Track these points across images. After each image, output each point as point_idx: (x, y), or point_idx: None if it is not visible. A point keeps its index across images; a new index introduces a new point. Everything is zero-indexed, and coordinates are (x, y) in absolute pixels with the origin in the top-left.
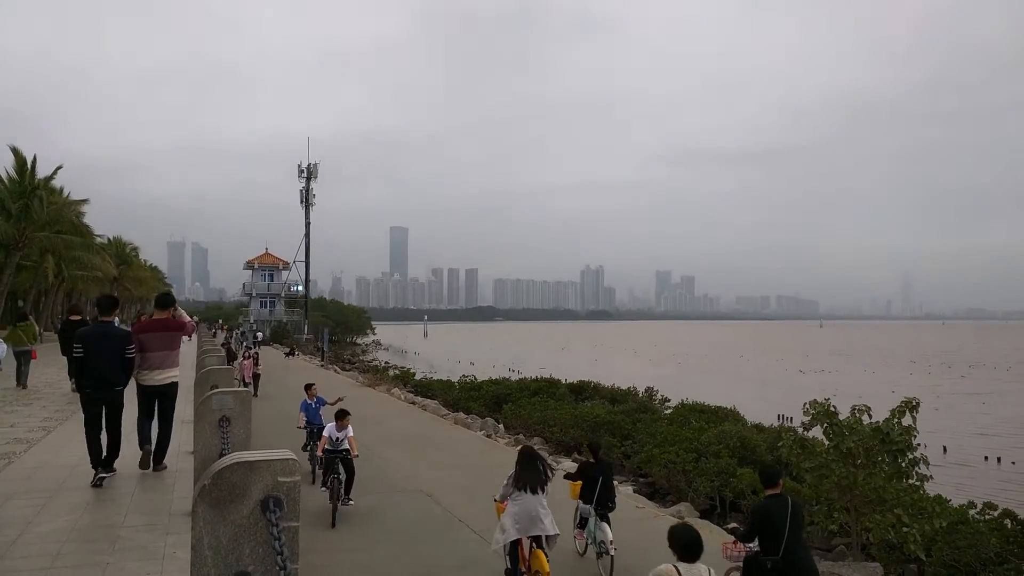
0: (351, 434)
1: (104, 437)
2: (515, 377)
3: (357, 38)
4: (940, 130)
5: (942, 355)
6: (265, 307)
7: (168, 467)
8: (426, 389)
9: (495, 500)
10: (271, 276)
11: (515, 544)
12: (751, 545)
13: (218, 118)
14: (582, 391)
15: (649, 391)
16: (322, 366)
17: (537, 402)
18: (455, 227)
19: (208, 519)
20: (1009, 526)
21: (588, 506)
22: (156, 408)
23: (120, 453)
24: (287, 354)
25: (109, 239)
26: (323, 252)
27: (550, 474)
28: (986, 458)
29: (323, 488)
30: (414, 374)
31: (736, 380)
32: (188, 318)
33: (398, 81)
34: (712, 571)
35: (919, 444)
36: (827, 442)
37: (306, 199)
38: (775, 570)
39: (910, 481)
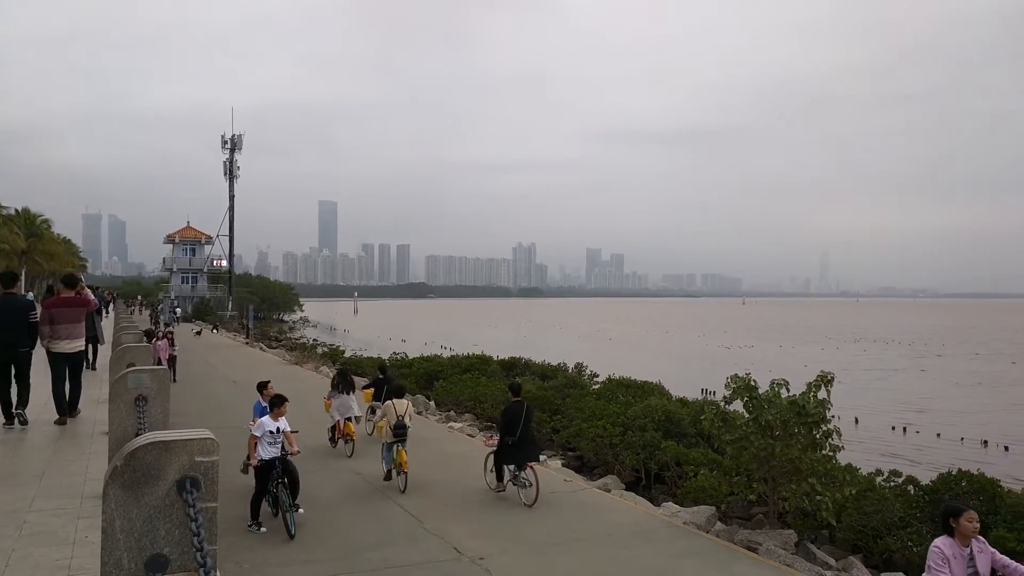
0: (287, 427)
1: (15, 392)
2: (447, 354)
3: (281, 3)
4: (858, 114)
5: (855, 331)
6: (187, 283)
7: (82, 412)
8: (356, 367)
9: (325, 398)
10: (193, 251)
11: (335, 426)
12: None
13: (136, 84)
14: (513, 367)
15: (579, 367)
16: (247, 343)
17: (469, 379)
18: (387, 202)
19: (120, 501)
20: (912, 492)
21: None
22: (67, 372)
23: (29, 402)
24: (198, 333)
25: (17, 210)
26: (248, 226)
27: (353, 384)
28: (893, 428)
29: (266, 500)
30: (343, 352)
31: (662, 356)
32: (92, 296)
33: (326, 50)
34: (411, 404)
35: (833, 416)
36: (747, 415)
37: (230, 171)
38: (513, 444)
39: (824, 452)
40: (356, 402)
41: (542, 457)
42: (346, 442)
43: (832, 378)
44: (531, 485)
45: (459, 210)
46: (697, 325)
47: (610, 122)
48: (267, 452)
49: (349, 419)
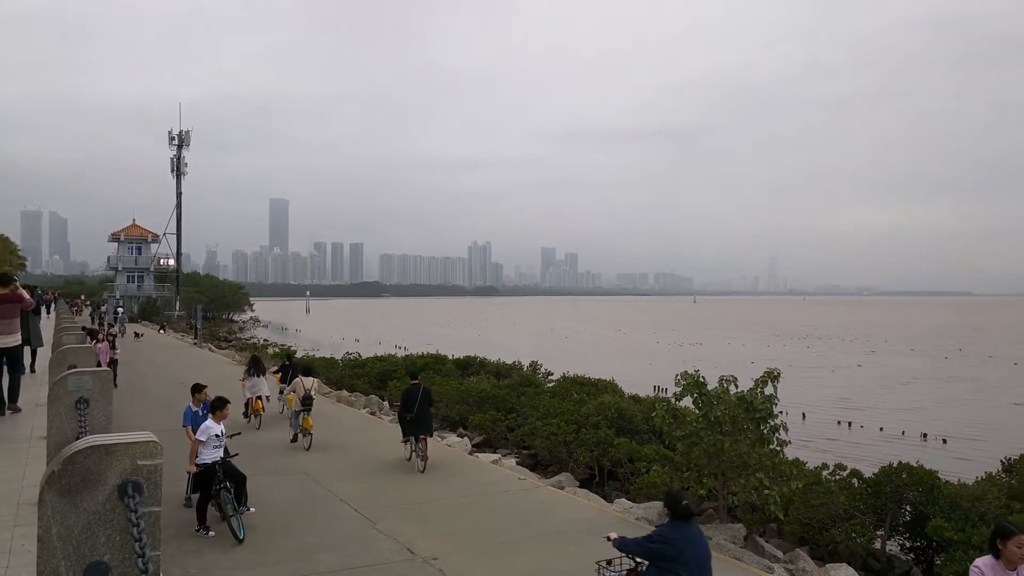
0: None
1: None
2: (401, 354)
3: None
4: (804, 115)
5: (801, 329)
6: (132, 282)
7: (23, 410)
8: (308, 367)
9: (240, 380)
10: (139, 249)
11: (248, 402)
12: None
13: (79, 76)
14: (468, 366)
15: (533, 365)
16: (195, 344)
17: (423, 378)
18: (340, 200)
19: (57, 507)
20: (856, 485)
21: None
22: (5, 366)
23: None
24: (139, 335)
25: None
26: (197, 224)
27: (264, 369)
28: (839, 423)
29: (211, 505)
30: (295, 352)
31: (616, 354)
32: (27, 296)
33: (276, 43)
34: (316, 381)
35: (780, 412)
36: (697, 411)
37: (177, 168)
38: (410, 421)
39: (771, 447)
40: (266, 384)
41: (476, 443)
42: (256, 416)
43: (778, 374)
44: (423, 457)
45: (414, 208)
46: (649, 323)
47: (565, 121)
48: (209, 455)
49: (259, 398)
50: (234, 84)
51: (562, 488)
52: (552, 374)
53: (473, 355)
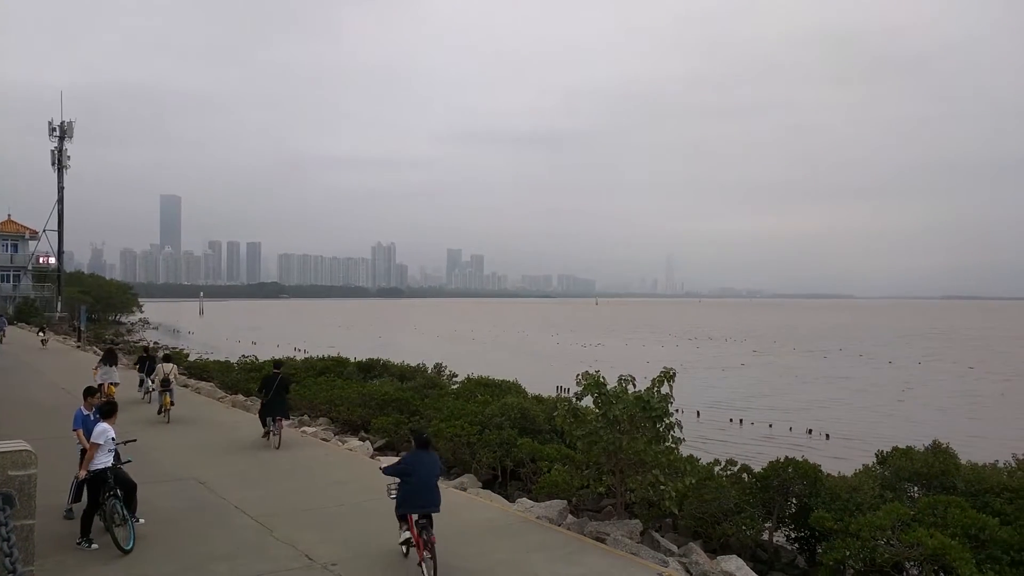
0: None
1: None
2: (301, 356)
3: None
4: (700, 123)
5: (695, 330)
6: (8, 281)
7: None
8: (201, 371)
9: (93, 368)
10: (15, 247)
11: (100, 387)
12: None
13: None
14: (371, 369)
15: (438, 367)
16: (78, 347)
17: (324, 381)
18: (236, 198)
19: None
20: (746, 479)
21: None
22: None
23: None
24: (45, 342)
25: None
26: (80, 221)
27: (116, 359)
28: (731, 420)
29: (97, 515)
30: (187, 355)
31: (520, 355)
32: None
33: (166, 32)
34: (175, 367)
35: (676, 410)
36: (597, 411)
37: (59, 161)
38: (266, 404)
39: (667, 444)
40: (117, 372)
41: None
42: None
43: (674, 374)
44: (277, 435)
45: (315, 208)
46: (553, 325)
47: (467, 122)
48: (101, 461)
49: (111, 384)
50: (120, 74)
51: (465, 489)
52: (457, 376)
53: (376, 357)
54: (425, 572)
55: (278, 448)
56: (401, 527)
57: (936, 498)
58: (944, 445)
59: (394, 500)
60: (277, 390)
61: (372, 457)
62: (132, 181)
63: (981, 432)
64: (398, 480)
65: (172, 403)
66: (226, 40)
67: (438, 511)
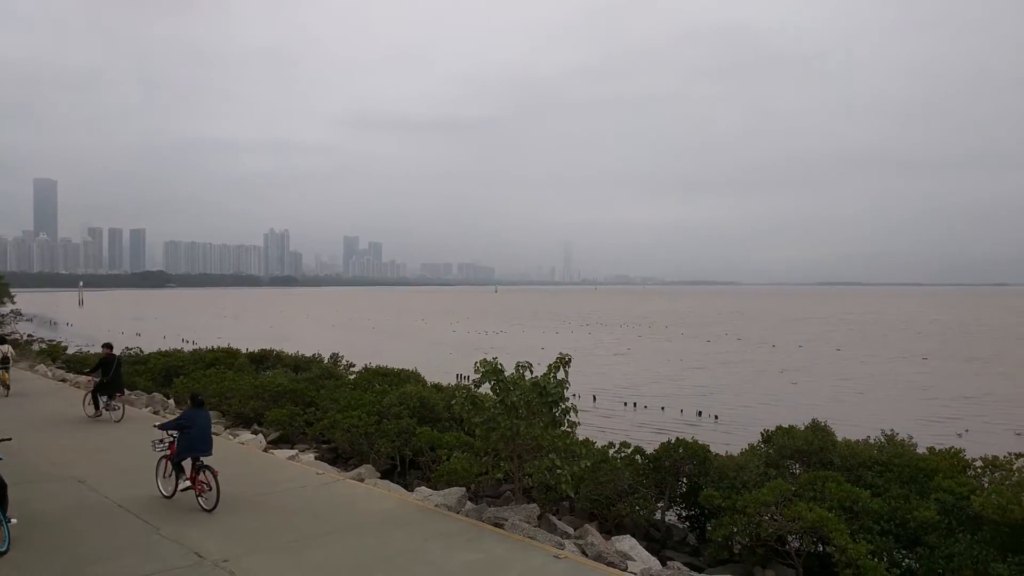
0: None
1: None
2: (189, 348)
3: None
4: (599, 114)
5: (590, 316)
6: None
7: None
8: (81, 365)
9: None
10: None
11: None
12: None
13: None
14: (264, 360)
15: (334, 357)
16: None
17: (213, 374)
18: (118, 183)
19: None
20: (639, 461)
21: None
22: None
23: None
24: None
25: None
26: None
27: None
28: (625, 404)
29: None
30: (65, 348)
31: (419, 343)
32: None
33: (41, 2)
34: (10, 348)
35: (573, 395)
36: (495, 397)
37: None
38: (107, 383)
39: (563, 428)
40: None
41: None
42: None
43: (569, 360)
44: (119, 410)
45: (203, 194)
46: (453, 313)
47: (364, 107)
48: None
49: None
50: None
51: (362, 480)
52: (354, 366)
53: (269, 348)
54: (204, 503)
55: (119, 422)
56: (179, 476)
57: (815, 474)
58: (822, 423)
59: (160, 452)
60: (116, 370)
61: (265, 450)
62: (3, 164)
63: (854, 409)
64: (166, 435)
65: (8, 380)
66: (110, 17)
67: (211, 455)
